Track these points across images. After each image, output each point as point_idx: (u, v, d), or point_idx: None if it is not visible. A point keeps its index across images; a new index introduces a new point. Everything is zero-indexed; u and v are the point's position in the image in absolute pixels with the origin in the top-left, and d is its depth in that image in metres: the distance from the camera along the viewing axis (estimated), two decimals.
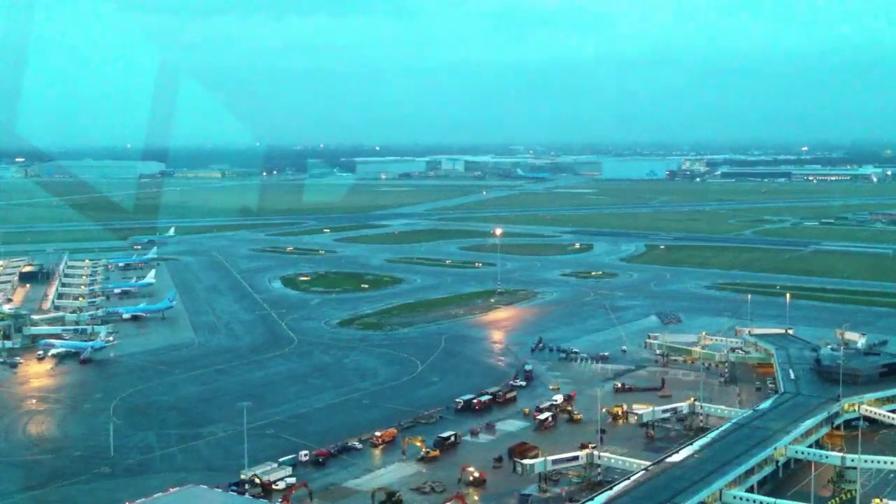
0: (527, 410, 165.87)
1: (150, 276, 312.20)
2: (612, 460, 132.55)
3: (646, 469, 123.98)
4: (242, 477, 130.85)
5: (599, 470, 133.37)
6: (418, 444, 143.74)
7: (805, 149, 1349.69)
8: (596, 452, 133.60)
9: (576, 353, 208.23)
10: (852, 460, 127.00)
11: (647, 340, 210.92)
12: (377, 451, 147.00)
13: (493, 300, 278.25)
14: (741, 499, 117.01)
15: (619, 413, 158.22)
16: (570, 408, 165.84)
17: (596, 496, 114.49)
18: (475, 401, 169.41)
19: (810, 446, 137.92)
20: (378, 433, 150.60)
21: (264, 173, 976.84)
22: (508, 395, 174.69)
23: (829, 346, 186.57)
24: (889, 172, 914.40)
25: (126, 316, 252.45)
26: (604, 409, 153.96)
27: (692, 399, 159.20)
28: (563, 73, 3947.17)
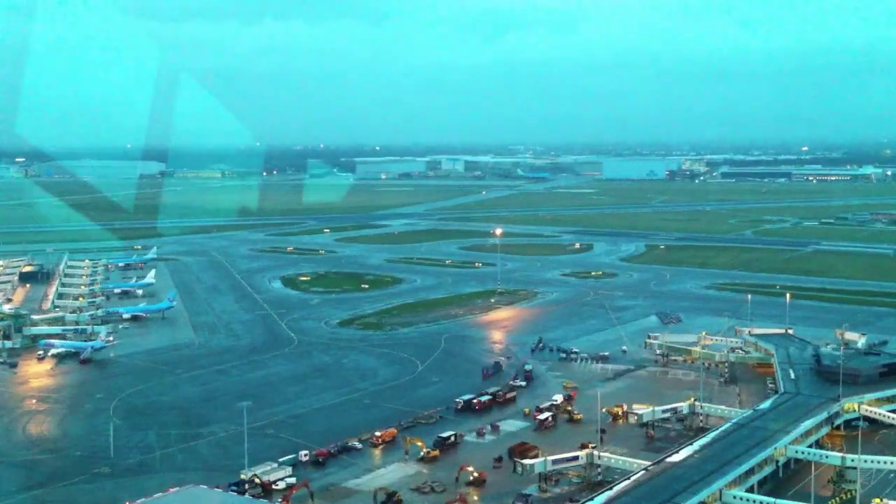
0: (527, 410, 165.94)
1: (150, 276, 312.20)
2: (612, 460, 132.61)
3: (646, 469, 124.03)
4: (242, 477, 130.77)
5: (599, 470, 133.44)
6: (419, 444, 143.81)
7: (805, 149, 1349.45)
8: (596, 452, 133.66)
9: (575, 353, 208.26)
10: (852, 460, 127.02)
11: (647, 340, 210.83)
12: (377, 451, 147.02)
13: (493, 300, 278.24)
14: (741, 499, 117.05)
15: (619, 413, 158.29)
16: (570, 408, 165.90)
17: (596, 496, 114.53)
18: (475, 401, 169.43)
19: (810, 446, 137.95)
20: (378, 433, 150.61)
21: (264, 173, 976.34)
22: (508, 395, 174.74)
23: (829, 346, 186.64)
24: (889, 172, 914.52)
25: (126, 316, 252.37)
26: (604, 410, 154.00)
27: (692, 399, 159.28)
28: (538, 73, 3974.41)
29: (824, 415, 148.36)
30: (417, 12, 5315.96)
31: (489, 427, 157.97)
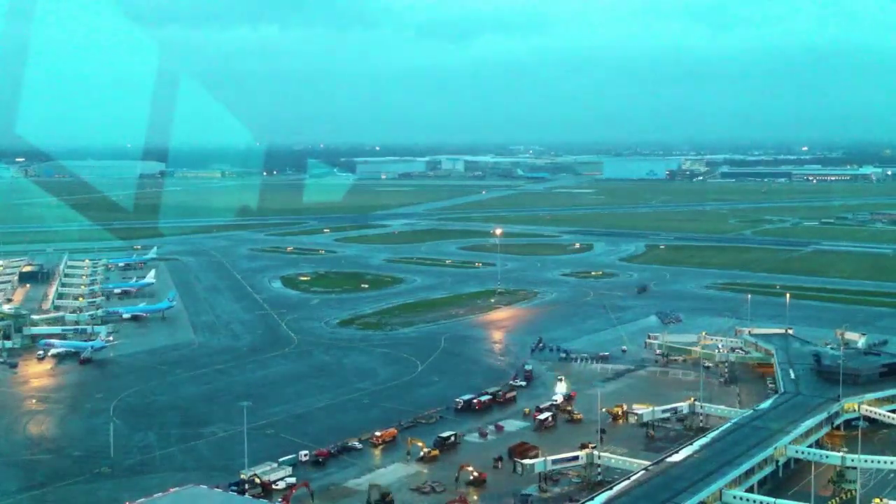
0: (527, 410, 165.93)
1: (150, 276, 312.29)
2: (612, 460, 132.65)
3: (646, 469, 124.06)
4: (242, 477, 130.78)
5: (599, 470, 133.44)
6: (419, 444, 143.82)
7: (805, 149, 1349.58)
8: (596, 452, 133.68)
9: (574, 353, 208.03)
10: (852, 460, 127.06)
11: (647, 340, 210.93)
12: (377, 451, 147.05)
13: (493, 300, 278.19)
14: (741, 499, 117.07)
15: (620, 413, 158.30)
16: (570, 408, 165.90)
17: (596, 496, 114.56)
18: (475, 401, 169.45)
19: (810, 446, 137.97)
20: (378, 433, 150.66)
21: (264, 173, 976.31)
22: (508, 395, 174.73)
23: (829, 346, 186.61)
24: (889, 172, 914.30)
25: (126, 316, 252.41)
26: (603, 409, 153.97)
27: (692, 399, 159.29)
28: (516, 73, 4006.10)
29: (824, 415, 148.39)
30: (385, 17, 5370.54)
31: (493, 427, 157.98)
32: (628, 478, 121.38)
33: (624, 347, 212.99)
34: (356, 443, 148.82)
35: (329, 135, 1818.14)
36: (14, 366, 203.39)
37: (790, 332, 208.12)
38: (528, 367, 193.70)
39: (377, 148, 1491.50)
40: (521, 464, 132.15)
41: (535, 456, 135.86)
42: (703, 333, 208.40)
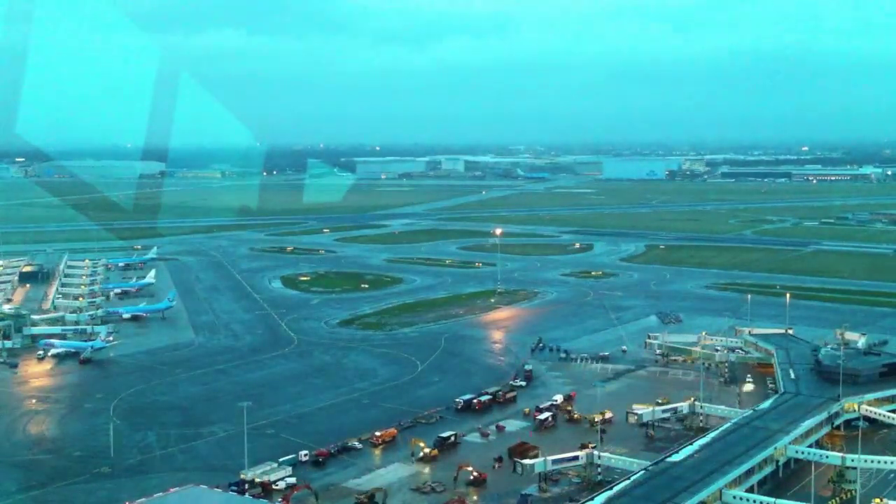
0: (527, 410, 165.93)
1: (150, 276, 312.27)
2: (612, 460, 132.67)
3: (646, 469, 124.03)
4: (242, 477, 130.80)
5: (599, 470, 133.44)
6: (421, 444, 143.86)
7: (805, 149, 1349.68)
8: (596, 452, 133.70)
9: (574, 353, 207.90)
10: (852, 460, 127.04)
11: (647, 340, 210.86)
12: (377, 451, 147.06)
13: (493, 300, 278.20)
14: (741, 499, 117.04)
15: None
16: (570, 408, 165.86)
17: (596, 496, 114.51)
18: (475, 401, 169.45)
19: (810, 446, 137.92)
20: (378, 433, 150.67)
21: (264, 173, 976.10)
22: (508, 395, 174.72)
23: (828, 346, 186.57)
24: (889, 172, 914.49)
25: (126, 316, 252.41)
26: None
27: (692, 399, 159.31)
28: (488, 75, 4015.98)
29: (824, 415, 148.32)
30: (356, 22, 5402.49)
31: (495, 427, 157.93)
32: (628, 478, 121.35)
33: (624, 347, 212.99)
34: (356, 443, 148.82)
35: (329, 135, 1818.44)
36: (14, 366, 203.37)
37: (790, 332, 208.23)
38: (528, 367, 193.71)
39: (377, 148, 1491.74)
40: (521, 464, 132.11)
41: (535, 456, 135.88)
42: (703, 333, 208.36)
